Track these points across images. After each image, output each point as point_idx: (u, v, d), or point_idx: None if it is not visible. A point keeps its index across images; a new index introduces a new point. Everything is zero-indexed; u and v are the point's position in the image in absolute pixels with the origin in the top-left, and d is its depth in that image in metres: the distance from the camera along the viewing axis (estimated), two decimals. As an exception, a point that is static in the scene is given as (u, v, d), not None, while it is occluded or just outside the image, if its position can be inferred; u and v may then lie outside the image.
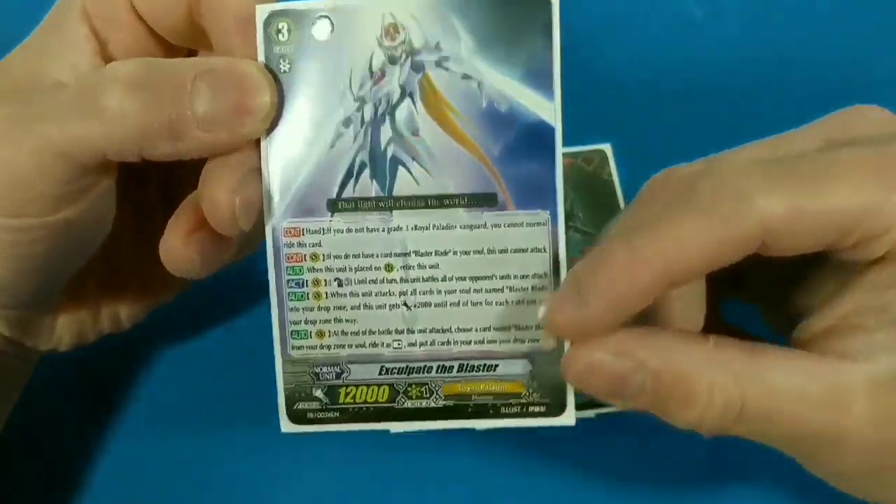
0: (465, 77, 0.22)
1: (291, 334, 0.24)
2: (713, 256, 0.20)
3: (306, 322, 0.24)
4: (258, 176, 0.22)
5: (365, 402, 0.24)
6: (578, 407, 0.29)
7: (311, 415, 0.24)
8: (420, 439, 0.30)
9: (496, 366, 0.23)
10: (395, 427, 0.24)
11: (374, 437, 0.30)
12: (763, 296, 0.27)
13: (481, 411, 0.24)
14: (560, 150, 0.22)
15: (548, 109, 0.22)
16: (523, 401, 0.23)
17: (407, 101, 0.22)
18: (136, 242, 0.28)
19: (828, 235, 0.20)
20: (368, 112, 0.23)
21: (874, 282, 0.21)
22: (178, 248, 0.22)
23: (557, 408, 0.23)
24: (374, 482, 0.31)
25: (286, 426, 0.24)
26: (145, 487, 0.31)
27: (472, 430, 0.30)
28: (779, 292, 0.25)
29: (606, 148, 0.34)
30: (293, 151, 0.23)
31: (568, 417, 0.23)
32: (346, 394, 0.24)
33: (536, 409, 0.23)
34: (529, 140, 0.22)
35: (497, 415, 0.24)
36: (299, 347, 0.24)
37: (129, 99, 0.20)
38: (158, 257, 0.27)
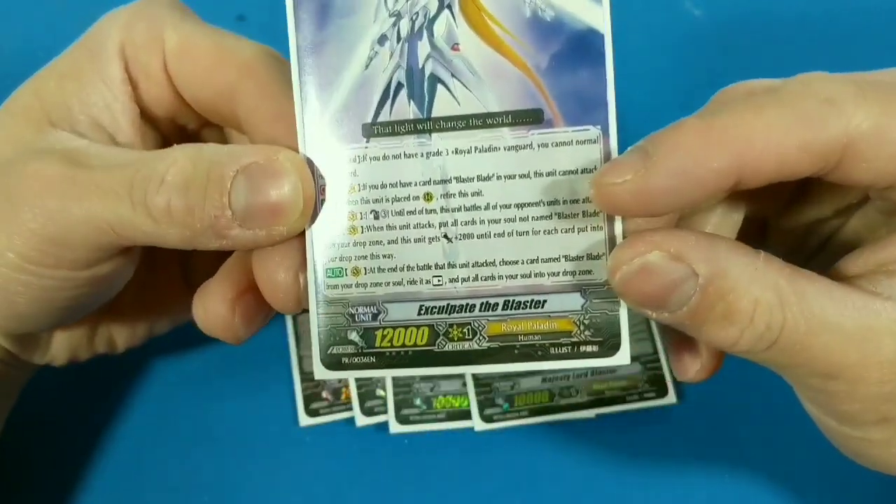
0: None
1: (326, 272, 0.22)
2: (790, 160, 0.19)
3: (341, 259, 0.22)
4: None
5: (403, 345, 0.22)
6: (579, 407, 0.30)
7: (346, 360, 0.22)
8: (420, 439, 0.30)
9: (544, 301, 0.21)
10: (435, 372, 0.22)
11: (374, 437, 0.30)
12: (786, 249, 0.25)
13: (529, 353, 0.22)
14: (611, 58, 0.21)
15: (596, 14, 0.20)
16: (574, 339, 0.21)
17: (445, 12, 0.21)
18: (138, 273, 0.27)
19: None
20: (405, 27, 0.21)
21: None
22: (222, 313, 0.22)
23: (611, 346, 0.21)
24: (374, 482, 0.30)
25: (320, 373, 0.22)
26: (145, 487, 0.30)
27: (472, 430, 0.30)
28: (802, 247, 0.24)
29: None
30: (324, 74, 0.21)
31: (623, 356, 0.21)
32: (384, 336, 0.22)
33: (589, 348, 0.21)
34: (578, 49, 0.21)
35: (546, 356, 0.22)
36: (334, 287, 0.22)
37: (175, 199, 0.20)
38: (157, 287, 0.28)
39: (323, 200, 0.22)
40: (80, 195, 0.21)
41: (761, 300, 0.19)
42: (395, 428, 0.30)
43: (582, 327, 0.21)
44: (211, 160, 0.21)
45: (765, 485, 0.29)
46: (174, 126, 0.26)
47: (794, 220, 0.24)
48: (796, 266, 0.20)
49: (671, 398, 0.31)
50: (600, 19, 0.20)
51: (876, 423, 0.20)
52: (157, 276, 0.28)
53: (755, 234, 0.25)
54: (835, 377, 0.20)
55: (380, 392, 0.31)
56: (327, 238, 0.22)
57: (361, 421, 0.31)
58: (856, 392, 0.20)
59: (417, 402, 0.31)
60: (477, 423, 0.30)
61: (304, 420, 0.31)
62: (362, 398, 0.31)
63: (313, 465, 0.30)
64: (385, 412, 0.31)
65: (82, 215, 0.21)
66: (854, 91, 0.19)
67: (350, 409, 0.31)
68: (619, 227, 0.21)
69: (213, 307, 0.23)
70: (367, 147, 0.21)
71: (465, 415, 0.31)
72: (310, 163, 0.22)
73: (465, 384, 0.31)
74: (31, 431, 0.30)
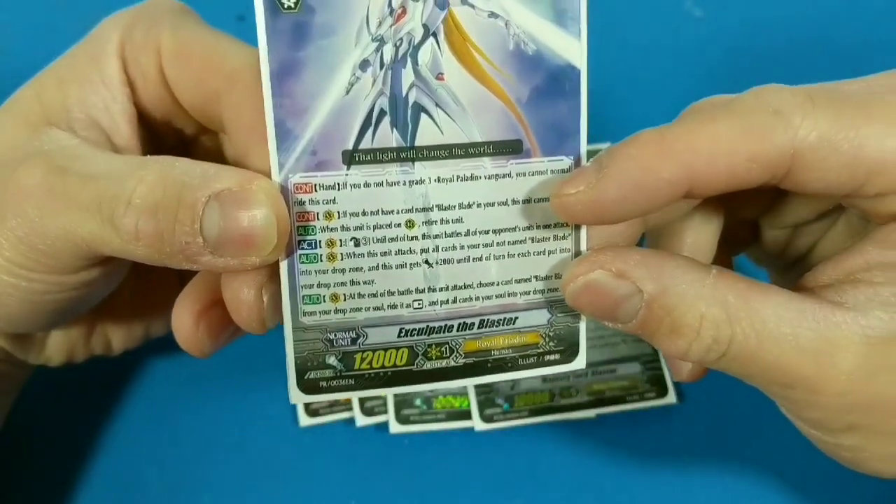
0: (492, 15, 0.21)
1: (303, 299, 0.22)
2: (738, 170, 0.19)
3: (319, 286, 0.22)
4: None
5: (383, 366, 0.22)
6: (579, 407, 0.31)
7: (323, 384, 0.22)
8: (421, 439, 0.31)
9: (516, 318, 0.23)
10: (414, 390, 0.23)
11: (374, 437, 0.31)
12: (775, 253, 0.27)
13: (500, 366, 0.23)
14: (585, 93, 0.22)
15: (575, 50, 0.21)
16: (540, 350, 0.23)
17: (430, 41, 0.21)
18: (133, 275, 0.26)
19: (855, 175, 0.19)
20: (388, 53, 0.21)
21: (887, 239, 0.20)
22: (188, 327, 0.22)
23: (571, 353, 0.23)
24: (374, 482, 0.30)
25: (296, 397, 0.22)
26: (145, 487, 0.29)
27: (472, 430, 0.30)
28: (790, 248, 0.25)
29: (605, 147, 0.32)
30: (301, 98, 0.20)
31: (580, 361, 0.24)
32: (363, 359, 0.22)
33: (552, 357, 0.23)
34: (556, 83, 0.21)
35: (515, 367, 0.23)
36: (311, 313, 0.22)
37: (143, 222, 0.20)
38: (153, 290, 0.27)
39: (300, 227, 0.21)
40: (56, 207, 0.21)
41: (707, 315, 0.20)
42: (395, 428, 0.30)
43: (547, 339, 0.23)
44: (182, 182, 0.20)
45: (765, 485, 0.29)
46: (172, 129, 0.25)
47: (780, 222, 0.25)
48: (754, 280, 0.20)
49: (671, 398, 0.31)
50: (578, 55, 0.21)
51: (843, 430, 0.21)
52: (153, 279, 0.27)
53: (746, 237, 0.26)
54: (792, 387, 0.20)
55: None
56: (304, 265, 0.21)
57: (361, 421, 0.30)
58: (816, 402, 0.20)
59: (417, 402, 0.31)
60: (477, 423, 0.30)
61: (304, 420, 0.30)
62: (362, 398, 0.31)
63: (313, 465, 0.30)
64: (385, 412, 0.31)
65: (59, 227, 0.21)
66: (803, 102, 0.19)
67: (350, 409, 0.31)
68: (584, 245, 0.23)
69: (179, 318, 0.22)
70: (347, 175, 0.21)
71: (466, 415, 0.31)
72: (285, 191, 0.21)
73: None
74: (30, 431, 0.30)
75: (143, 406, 0.31)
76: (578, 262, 0.21)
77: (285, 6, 0.20)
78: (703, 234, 0.24)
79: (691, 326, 0.20)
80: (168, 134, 0.25)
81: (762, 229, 0.26)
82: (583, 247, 0.23)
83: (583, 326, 0.23)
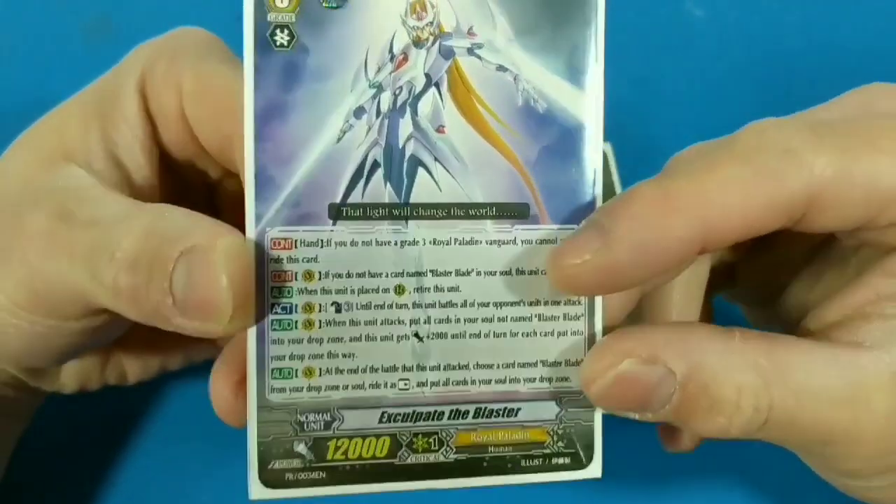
0: (500, 69, 0.19)
1: (272, 373, 0.19)
2: (754, 218, 0.18)
3: (292, 357, 0.19)
4: None
5: (360, 457, 0.19)
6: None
7: (289, 476, 0.19)
8: None
9: (518, 410, 0.20)
10: (395, 488, 0.19)
11: None
12: (753, 291, 0.26)
13: (499, 466, 0.20)
14: (600, 158, 0.20)
15: (590, 110, 0.20)
16: (547, 451, 0.20)
17: (432, 91, 0.19)
18: None
19: (869, 208, 0.18)
20: (386, 101, 0.19)
21: (894, 269, 0.19)
22: (226, 398, 0.20)
23: (584, 457, 0.20)
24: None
25: (258, 492, 0.19)
26: (145, 487, 0.29)
27: None
28: (772, 286, 0.24)
29: (607, 148, 0.32)
30: (287, 143, 0.18)
31: (594, 469, 0.20)
32: (337, 448, 0.19)
33: (561, 460, 0.20)
34: (569, 145, 0.20)
35: (517, 469, 0.20)
36: (281, 390, 0.19)
37: (123, 276, 0.19)
38: None
39: (274, 288, 0.19)
40: (55, 255, 0.20)
41: (744, 385, 0.18)
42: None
43: (555, 437, 0.20)
44: (163, 236, 0.18)
45: (766, 485, 0.29)
46: (196, 171, 0.24)
47: (763, 261, 0.24)
48: (771, 334, 0.19)
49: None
50: (594, 116, 0.20)
51: (879, 474, 0.20)
52: None
53: (724, 278, 0.25)
54: (832, 443, 0.19)
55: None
56: (276, 332, 0.19)
57: None
58: (856, 453, 0.19)
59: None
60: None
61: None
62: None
63: None
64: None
65: (57, 276, 0.20)
66: (810, 137, 0.18)
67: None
68: (599, 326, 0.20)
69: (217, 390, 0.20)
70: (332, 230, 0.19)
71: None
72: (259, 248, 0.18)
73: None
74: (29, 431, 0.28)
75: (143, 406, 0.30)
76: (599, 353, 0.19)
77: (277, 44, 0.18)
78: (692, 286, 0.22)
79: (730, 400, 0.18)
80: (192, 176, 0.24)
81: (739, 270, 0.25)
82: (597, 328, 0.20)
83: (598, 424, 0.20)
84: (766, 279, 0.25)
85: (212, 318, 0.18)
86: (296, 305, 0.19)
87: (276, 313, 0.19)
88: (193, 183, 0.24)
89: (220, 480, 0.29)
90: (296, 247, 0.19)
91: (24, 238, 0.20)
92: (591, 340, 0.20)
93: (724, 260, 0.25)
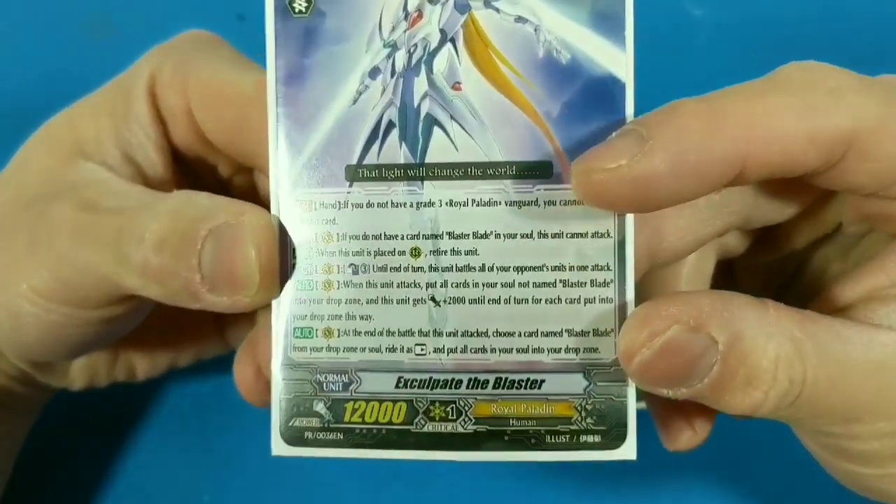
0: (519, 20, 0.18)
1: (294, 331, 0.19)
2: (795, 151, 0.17)
3: (312, 317, 0.19)
4: None
5: (376, 422, 0.19)
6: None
7: (308, 434, 0.19)
8: None
9: (542, 381, 0.19)
10: (411, 456, 0.19)
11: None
12: (753, 290, 0.23)
13: (521, 441, 0.19)
14: (632, 110, 0.18)
15: (619, 61, 0.18)
16: (574, 427, 0.19)
17: (447, 47, 0.19)
18: (162, 304, 0.26)
19: None
20: (400, 60, 0.19)
21: None
22: (250, 381, 0.22)
23: (616, 437, 0.19)
24: (374, 482, 0.29)
25: (279, 448, 0.19)
26: (145, 487, 0.29)
27: None
28: (772, 285, 0.24)
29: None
30: (305, 107, 0.19)
31: (628, 450, 0.19)
32: (354, 410, 0.19)
33: (590, 438, 0.19)
34: (594, 98, 0.18)
35: (540, 445, 0.19)
36: (302, 349, 0.19)
37: (152, 257, 0.19)
38: (184, 321, 0.27)
39: (294, 250, 0.19)
40: (83, 242, 0.20)
41: (781, 356, 0.17)
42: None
43: (584, 413, 0.19)
44: (191, 217, 0.19)
45: (766, 485, 0.28)
46: (207, 168, 0.25)
47: (765, 256, 0.24)
48: (800, 309, 0.18)
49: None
50: (622, 66, 0.18)
51: (894, 457, 0.19)
52: (184, 310, 0.27)
53: (723, 274, 0.24)
54: (855, 420, 0.18)
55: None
56: (298, 292, 0.19)
57: None
58: (876, 430, 0.18)
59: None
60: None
61: None
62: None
63: (313, 465, 0.29)
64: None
65: (84, 263, 0.20)
66: (857, 82, 0.18)
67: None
68: (630, 294, 0.18)
69: (241, 373, 0.22)
70: (349, 192, 0.19)
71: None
72: (279, 221, 0.19)
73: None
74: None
75: (143, 406, 0.30)
76: (644, 320, 0.17)
77: (296, 10, 0.19)
78: (697, 278, 0.22)
79: (768, 372, 0.17)
80: (204, 173, 0.25)
81: (739, 269, 0.25)
82: (629, 296, 0.18)
83: (632, 399, 0.19)
84: (768, 272, 0.24)
85: (240, 291, 0.19)
86: (316, 266, 0.19)
87: (297, 274, 0.19)
88: (205, 180, 0.25)
89: (221, 481, 0.29)
90: (314, 209, 0.19)
91: (50, 228, 0.21)
92: (621, 310, 0.18)
93: (727, 256, 0.24)
